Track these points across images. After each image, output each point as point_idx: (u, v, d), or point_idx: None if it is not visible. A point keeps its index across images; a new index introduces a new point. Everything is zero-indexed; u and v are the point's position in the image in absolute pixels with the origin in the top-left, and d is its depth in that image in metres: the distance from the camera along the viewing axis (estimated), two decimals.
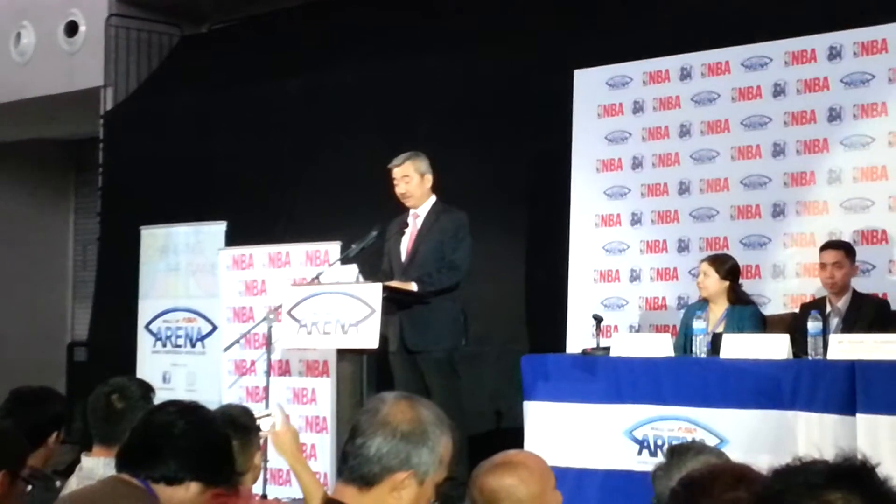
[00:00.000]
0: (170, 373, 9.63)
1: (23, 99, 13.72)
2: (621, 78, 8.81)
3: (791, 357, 6.30)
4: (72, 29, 13.38)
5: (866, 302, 7.12)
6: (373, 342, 6.94)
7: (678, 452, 3.48)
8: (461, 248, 7.48)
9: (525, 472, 3.35)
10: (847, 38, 7.87)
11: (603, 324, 7.40)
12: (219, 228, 9.51)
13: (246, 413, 4.44)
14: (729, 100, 8.32)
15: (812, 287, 7.59)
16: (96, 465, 4.04)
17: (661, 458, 3.60)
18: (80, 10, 13.31)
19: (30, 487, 3.91)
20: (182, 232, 9.86)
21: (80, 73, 13.26)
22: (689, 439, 6.06)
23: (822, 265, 7.19)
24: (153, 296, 9.98)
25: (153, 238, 10.08)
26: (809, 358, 6.29)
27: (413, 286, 7.31)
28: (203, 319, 9.54)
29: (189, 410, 3.48)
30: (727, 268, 7.39)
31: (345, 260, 7.74)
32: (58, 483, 4.33)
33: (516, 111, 9.42)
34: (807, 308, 7.01)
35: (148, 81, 13.32)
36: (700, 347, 6.76)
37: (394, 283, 7.27)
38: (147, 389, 4.40)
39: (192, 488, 3.35)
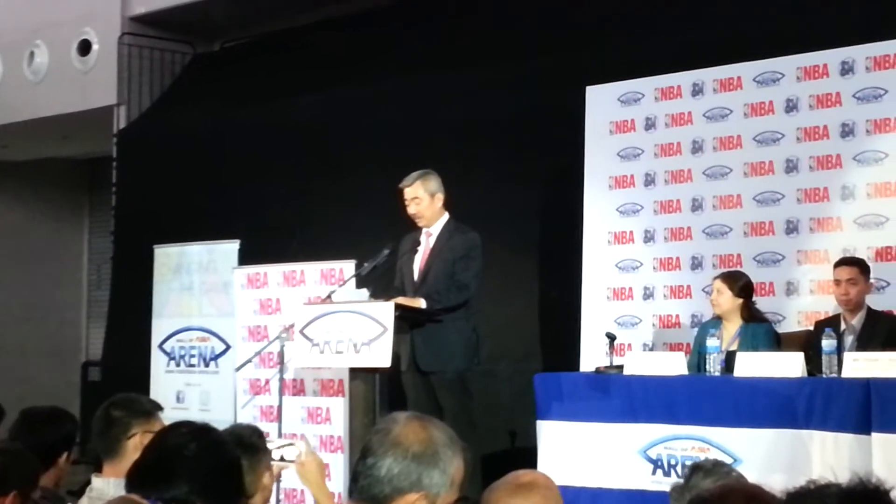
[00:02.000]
0: (183, 392, 9.62)
1: (36, 118, 13.77)
2: (633, 94, 8.79)
3: (805, 375, 6.27)
4: (85, 48, 13.42)
5: (881, 319, 7.09)
6: (385, 361, 6.92)
7: (695, 472, 3.47)
8: (471, 267, 7.47)
9: (538, 497, 3.33)
10: (859, 53, 7.84)
11: (616, 342, 7.37)
12: (232, 247, 9.50)
13: (255, 432, 4.41)
14: (741, 115, 8.28)
15: (826, 304, 7.54)
16: (106, 486, 4.03)
17: (675, 478, 3.59)
18: (92, 29, 13.35)
19: None
20: (195, 251, 9.85)
21: (94, 92, 13.30)
22: (703, 458, 6.04)
23: (837, 282, 7.16)
24: (166, 315, 9.98)
25: (166, 257, 10.07)
26: (824, 376, 6.27)
27: (421, 302, 7.31)
28: (216, 338, 9.51)
29: (201, 432, 3.47)
30: (740, 285, 7.37)
31: (357, 278, 7.74)
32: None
33: (528, 128, 9.42)
34: (821, 325, 6.99)
35: (161, 100, 13.35)
36: (714, 365, 6.73)
37: (402, 300, 7.25)
38: (154, 406, 4.37)
39: None
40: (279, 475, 4.52)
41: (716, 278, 7.52)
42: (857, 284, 7.07)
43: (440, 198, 7.62)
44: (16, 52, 13.89)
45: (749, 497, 2.56)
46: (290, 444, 4.45)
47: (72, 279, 16.24)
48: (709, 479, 3.34)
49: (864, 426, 5.81)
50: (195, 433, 3.45)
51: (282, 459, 4.35)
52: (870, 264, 7.28)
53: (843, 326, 7.04)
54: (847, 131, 7.85)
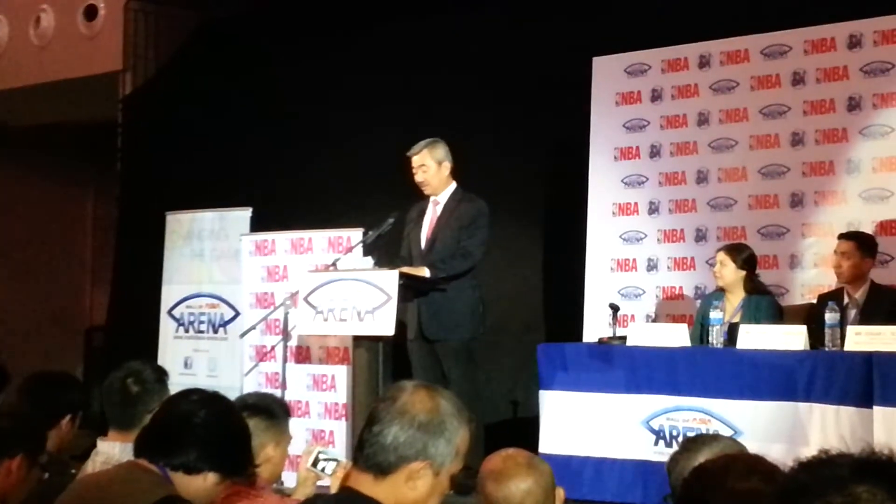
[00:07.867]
0: (191, 358, 9.65)
1: (42, 83, 13.72)
2: (640, 66, 8.78)
3: (808, 348, 6.29)
4: (91, 12, 13.36)
5: (884, 293, 7.09)
6: (389, 329, 6.94)
7: (693, 442, 3.48)
8: (477, 235, 7.47)
9: (536, 474, 3.36)
10: (867, 27, 7.84)
11: (619, 313, 7.40)
12: (244, 214, 9.53)
13: (278, 403, 4.43)
14: (748, 88, 8.29)
15: (830, 278, 7.54)
16: (112, 450, 4.06)
17: (676, 449, 3.60)
18: None
19: (47, 475, 3.93)
20: (207, 218, 9.86)
21: (100, 57, 13.25)
22: (705, 430, 6.07)
23: (834, 254, 7.19)
24: (177, 281, 9.99)
25: (178, 224, 10.08)
26: (826, 349, 6.28)
27: (425, 271, 7.32)
28: (226, 305, 9.54)
29: (210, 400, 3.48)
30: (744, 257, 7.38)
31: (364, 246, 7.75)
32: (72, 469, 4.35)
33: (534, 98, 9.40)
34: (824, 299, 6.98)
35: (167, 66, 13.30)
36: (716, 337, 6.75)
37: (406, 269, 7.27)
38: (161, 373, 4.42)
39: (210, 478, 3.36)
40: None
41: (719, 250, 7.53)
42: (850, 259, 7.07)
43: (447, 166, 7.62)
44: (22, 17, 13.84)
45: (751, 467, 2.57)
46: (336, 461, 4.35)
47: (76, 245, 16.24)
48: (706, 448, 3.35)
49: (865, 400, 5.83)
50: (205, 401, 3.46)
51: (322, 471, 4.31)
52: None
53: (846, 300, 7.05)
54: (854, 105, 7.85)
